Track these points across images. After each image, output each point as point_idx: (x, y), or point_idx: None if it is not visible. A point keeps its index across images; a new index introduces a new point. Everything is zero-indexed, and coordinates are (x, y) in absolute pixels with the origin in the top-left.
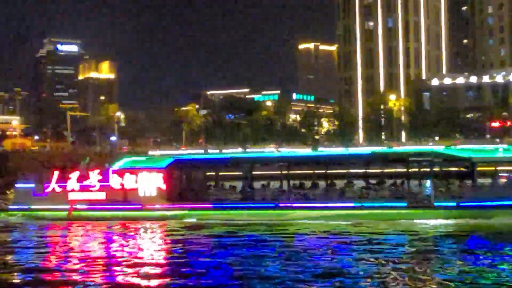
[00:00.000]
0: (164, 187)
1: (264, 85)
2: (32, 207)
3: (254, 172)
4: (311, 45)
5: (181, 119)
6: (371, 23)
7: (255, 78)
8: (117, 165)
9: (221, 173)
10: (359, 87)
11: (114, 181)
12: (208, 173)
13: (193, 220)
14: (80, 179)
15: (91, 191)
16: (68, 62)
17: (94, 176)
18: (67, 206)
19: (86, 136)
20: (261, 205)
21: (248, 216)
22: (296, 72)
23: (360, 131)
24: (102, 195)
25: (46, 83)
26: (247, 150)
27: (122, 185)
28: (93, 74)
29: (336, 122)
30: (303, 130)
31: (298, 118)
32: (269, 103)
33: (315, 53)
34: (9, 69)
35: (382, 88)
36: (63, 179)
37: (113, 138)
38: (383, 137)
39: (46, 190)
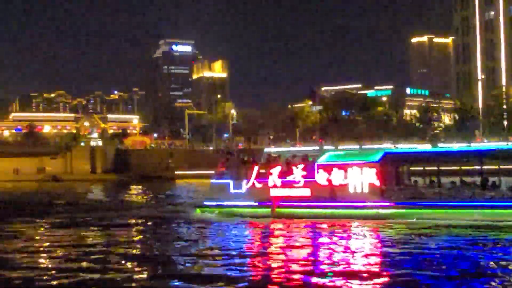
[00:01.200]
0: (377, 183)
1: (377, 79)
2: (229, 203)
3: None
4: (424, 38)
5: (296, 116)
6: (492, 13)
7: (368, 73)
8: (322, 160)
9: (433, 168)
10: (479, 80)
11: (321, 177)
12: (420, 168)
13: (413, 220)
14: (282, 175)
15: (295, 187)
16: (183, 62)
17: (298, 172)
18: (269, 203)
19: (202, 133)
20: None
21: (489, 217)
22: (409, 66)
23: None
24: (306, 192)
25: (162, 83)
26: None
27: (330, 181)
28: (206, 73)
29: (456, 117)
30: (420, 125)
31: (414, 113)
32: (384, 99)
33: (429, 46)
34: (128, 71)
35: (504, 80)
36: (262, 174)
37: (227, 136)
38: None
39: (245, 186)
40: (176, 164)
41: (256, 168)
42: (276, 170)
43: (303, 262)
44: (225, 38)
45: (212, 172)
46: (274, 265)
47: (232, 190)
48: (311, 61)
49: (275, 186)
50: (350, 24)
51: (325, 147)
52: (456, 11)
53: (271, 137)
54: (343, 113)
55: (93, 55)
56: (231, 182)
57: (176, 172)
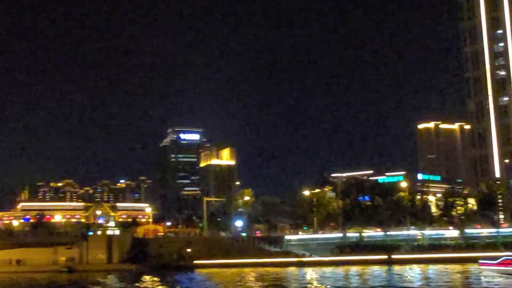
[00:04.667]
0: None
1: (385, 165)
2: None
3: None
4: (431, 124)
5: (317, 203)
6: (506, 98)
7: (376, 159)
8: None
9: None
10: (497, 165)
11: None
12: None
13: None
14: None
15: None
16: (190, 150)
17: None
18: None
19: (214, 221)
20: None
21: None
22: (417, 152)
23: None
24: None
25: (170, 171)
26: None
27: None
28: (214, 161)
29: (473, 202)
30: (439, 211)
31: (432, 199)
32: (403, 184)
33: (435, 132)
34: (135, 159)
35: None
36: None
37: (239, 223)
38: None
39: None
40: (194, 253)
41: None
42: None
43: None
44: (231, 126)
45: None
46: None
47: None
48: (318, 147)
49: None
50: (358, 109)
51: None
52: (470, 97)
53: (284, 224)
54: (360, 199)
55: (99, 144)
56: None
57: (196, 262)
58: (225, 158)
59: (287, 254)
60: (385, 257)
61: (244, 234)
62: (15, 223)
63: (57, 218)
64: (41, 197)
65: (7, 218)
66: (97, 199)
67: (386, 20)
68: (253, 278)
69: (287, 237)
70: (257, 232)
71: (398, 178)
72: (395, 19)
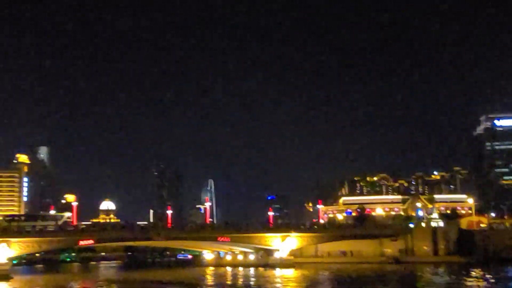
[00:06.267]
0: None
1: None
2: None
3: None
4: None
5: None
6: None
7: None
8: None
9: None
10: None
11: None
12: None
13: None
14: None
15: None
16: (507, 137)
17: None
18: None
19: None
20: None
21: None
22: None
23: None
24: None
25: (485, 160)
26: None
27: None
28: None
29: None
30: None
31: None
32: None
33: None
34: (449, 150)
35: None
36: None
37: None
38: None
39: None
40: None
41: None
42: None
43: None
44: None
45: None
46: None
47: None
48: None
49: None
50: None
51: None
52: None
53: None
54: None
55: (411, 137)
56: None
57: None
58: None
59: None
60: None
61: None
62: (339, 216)
63: (378, 211)
64: (358, 191)
65: (331, 211)
66: (412, 192)
67: None
68: None
69: None
70: None
71: None
72: None
